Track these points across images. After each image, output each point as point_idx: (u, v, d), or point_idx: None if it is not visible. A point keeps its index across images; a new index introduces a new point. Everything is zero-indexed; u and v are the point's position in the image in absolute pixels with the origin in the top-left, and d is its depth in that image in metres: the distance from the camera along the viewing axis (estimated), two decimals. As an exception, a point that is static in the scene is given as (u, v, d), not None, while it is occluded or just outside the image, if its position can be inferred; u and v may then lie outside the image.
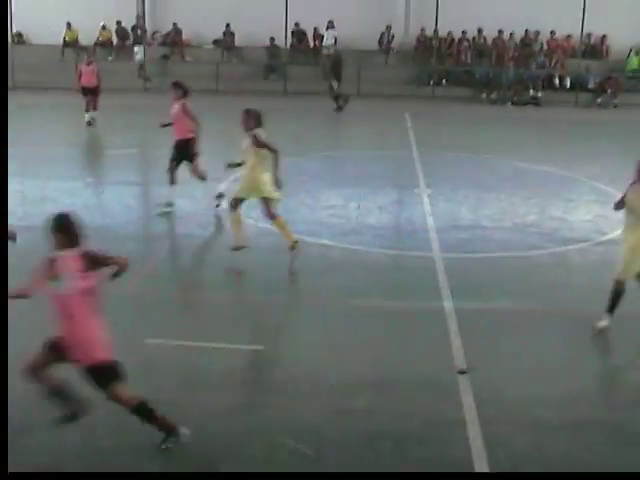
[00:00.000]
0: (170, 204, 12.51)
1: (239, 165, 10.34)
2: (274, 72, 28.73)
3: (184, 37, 29.11)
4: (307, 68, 28.58)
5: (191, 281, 9.66)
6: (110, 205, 12.99)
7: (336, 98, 24.49)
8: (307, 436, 6.34)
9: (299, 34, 28.97)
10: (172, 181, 12.47)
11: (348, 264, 10.52)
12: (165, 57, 29.00)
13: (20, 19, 28.15)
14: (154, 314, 8.85)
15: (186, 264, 10.36)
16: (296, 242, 10.23)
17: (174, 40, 29.03)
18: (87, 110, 20.33)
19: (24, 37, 29.50)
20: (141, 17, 28.36)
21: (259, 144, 9.88)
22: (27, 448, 6.10)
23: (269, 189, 10.00)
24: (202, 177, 12.67)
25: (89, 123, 20.29)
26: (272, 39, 28.30)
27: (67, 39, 28.64)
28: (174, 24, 28.78)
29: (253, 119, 10.09)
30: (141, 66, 28.23)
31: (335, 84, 24.75)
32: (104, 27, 28.96)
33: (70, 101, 20.52)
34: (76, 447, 6.14)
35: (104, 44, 29.13)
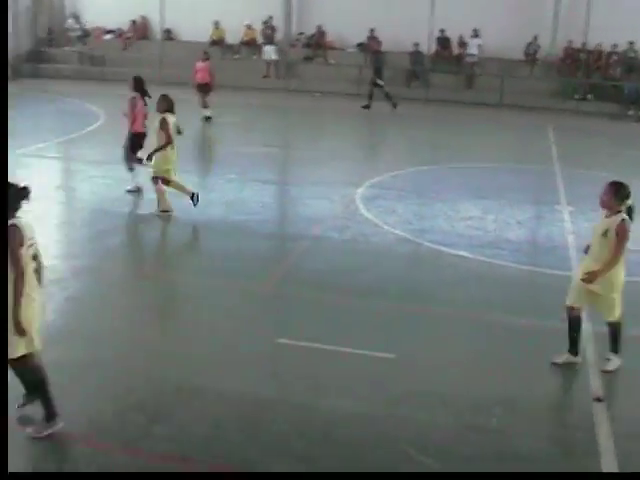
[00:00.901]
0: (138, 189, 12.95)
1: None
2: (417, 79, 28.55)
3: (328, 39, 29.31)
4: (449, 76, 28.28)
5: (326, 284, 9.66)
6: (249, 202, 13.17)
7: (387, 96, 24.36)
8: (433, 450, 6.21)
9: (443, 41, 28.68)
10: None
11: (483, 277, 10.29)
12: (308, 59, 29.32)
13: (170, 17, 29.18)
14: (287, 314, 8.91)
15: (321, 266, 10.36)
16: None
17: (318, 42, 29.30)
18: (203, 106, 20.61)
19: (173, 34, 30.45)
20: (272, 19, 28.81)
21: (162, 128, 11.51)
22: (158, 436, 6.22)
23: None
24: None
25: (206, 119, 20.48)
26: (416, 44, 28.12)
27: (214, 37, 29.38)
28: (318, 26, 29.03)
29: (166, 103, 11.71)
30: (268, 65, 28.76)
31: (380, 82, 24.47)
32: (249, 27, 29.54)
33: (212, 99, 20.97)
34: (205, 439, 6.22)
35: (249, 43, 29.71)
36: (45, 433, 6.11)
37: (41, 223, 11.70)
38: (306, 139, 20.44)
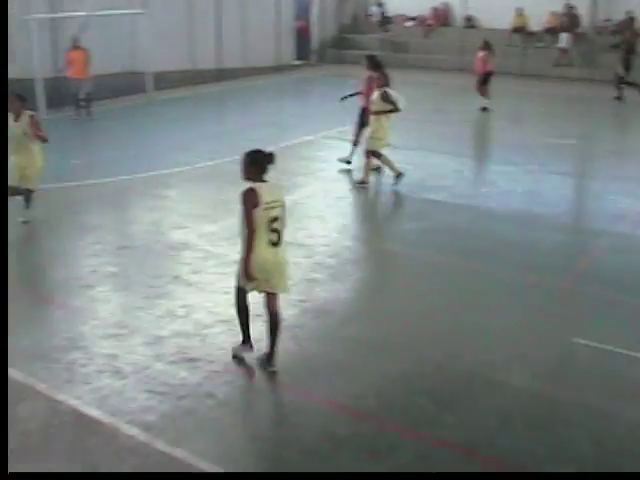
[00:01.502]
0: (348, 162, 13.84)
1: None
2: None
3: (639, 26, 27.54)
4: None
5: (628, 284, 9.10)
6: (549, 195, 12.76)
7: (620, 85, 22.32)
8: None
9: None
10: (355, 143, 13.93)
11: None
12: (615, 46, 27.77)
13: (472, 3, 29.02)
14: (585, 313, 8.51)
15: (624, 266, 9.77)
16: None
17: (625, 29, 27.58)
18: (481, 95, 20.28)
19: (474, 21, 30.22)
20: (574, 7, 27.45)
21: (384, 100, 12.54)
22: (445, 424, 6.22)
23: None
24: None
25: (483, 109, 20.12)
26: None
27: (516, 24, 28.75)
28: (627, 12, 27.37)
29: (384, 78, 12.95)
30: (562, 53, 27.55)
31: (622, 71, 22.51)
32: (554, 13, 28.53)
33: (515, 88, 20.54)
34: (491, 432, 6.12)
35: (551, 30, 28.71)
36: (237, 353, 7.12)
37: (338, 204, 12.26)
38: (607, 131, 19.42)
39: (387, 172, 13.11)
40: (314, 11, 29.63)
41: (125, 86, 21.09)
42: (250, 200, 6.56)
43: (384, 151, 12.87)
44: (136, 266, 9.48)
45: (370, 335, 7.66)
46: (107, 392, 6.58)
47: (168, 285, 8.82)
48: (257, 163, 6.68)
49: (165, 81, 22.39)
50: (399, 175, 12.79)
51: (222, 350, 7.26)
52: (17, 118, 10.60)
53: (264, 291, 6.89)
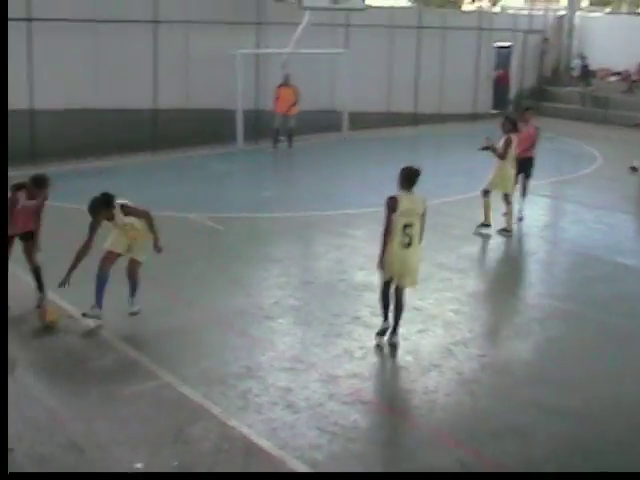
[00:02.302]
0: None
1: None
2: None
3: None
4: None
5: None
6: None
7: None
8: None
9: None
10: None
11: None
12: None
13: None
14: None
15: None
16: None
17: None
18: None
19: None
20: None
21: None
22: None
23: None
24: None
25: (632, 169, 17.98)
26: None
27: None
28: None
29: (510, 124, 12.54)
30: None
31: None
32: None
33: None
34: None
35: None
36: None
37: (531, 259, 11.87)
38: None
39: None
40: (514, 61, 29.23)
41: (322, 123, 21.59)
42: (390, 205, 7.92)
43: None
44: (318, 302, 9.55)
45: (549, 399, 7.27)
46: (278, 424, 6.61)
47: (348, 325, 8.81)
48: (406, 176, 8.04)
49: (360, 121, 22.73)
50: (488, 226, 12.70)
51: (396, 396, 7.15)
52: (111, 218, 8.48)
53: (396, 283, 8.12)
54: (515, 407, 7.14)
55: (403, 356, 7.98)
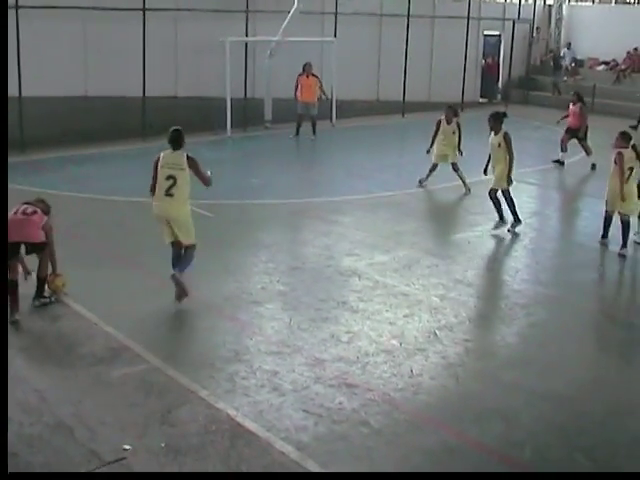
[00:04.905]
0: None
1: None
2: None
3: None
4: None
5: None
6: None
7: None
8: None
9: None
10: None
11: None
12: None
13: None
14: None
15: None
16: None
17: None
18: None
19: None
20: None
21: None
22: None
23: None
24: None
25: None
26: None
27: None
28: None
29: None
30: None
31: None
32: None
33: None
34: None
35: None
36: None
37: (516, 246, 11.99)
38: None
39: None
40: (502, 50, 29.29)
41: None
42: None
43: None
44: (305, 288, 9.65)
45: (532, 382, 7.40)
46: (265, 407, 6.71)
47: (334, 310, 8.91)
48: (498, 118, 11.72)
49: (349, 110, 22.80)
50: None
51: (381, 380, 7.25)
52: None
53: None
54: (499, 390, 7.25)
55: (389, 340, 8.08)
